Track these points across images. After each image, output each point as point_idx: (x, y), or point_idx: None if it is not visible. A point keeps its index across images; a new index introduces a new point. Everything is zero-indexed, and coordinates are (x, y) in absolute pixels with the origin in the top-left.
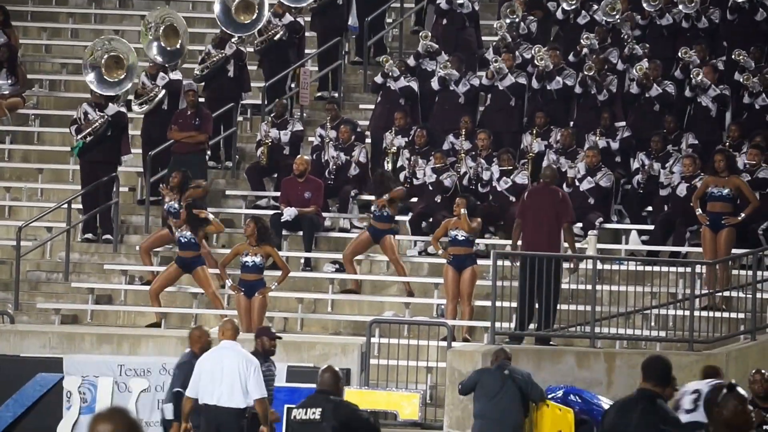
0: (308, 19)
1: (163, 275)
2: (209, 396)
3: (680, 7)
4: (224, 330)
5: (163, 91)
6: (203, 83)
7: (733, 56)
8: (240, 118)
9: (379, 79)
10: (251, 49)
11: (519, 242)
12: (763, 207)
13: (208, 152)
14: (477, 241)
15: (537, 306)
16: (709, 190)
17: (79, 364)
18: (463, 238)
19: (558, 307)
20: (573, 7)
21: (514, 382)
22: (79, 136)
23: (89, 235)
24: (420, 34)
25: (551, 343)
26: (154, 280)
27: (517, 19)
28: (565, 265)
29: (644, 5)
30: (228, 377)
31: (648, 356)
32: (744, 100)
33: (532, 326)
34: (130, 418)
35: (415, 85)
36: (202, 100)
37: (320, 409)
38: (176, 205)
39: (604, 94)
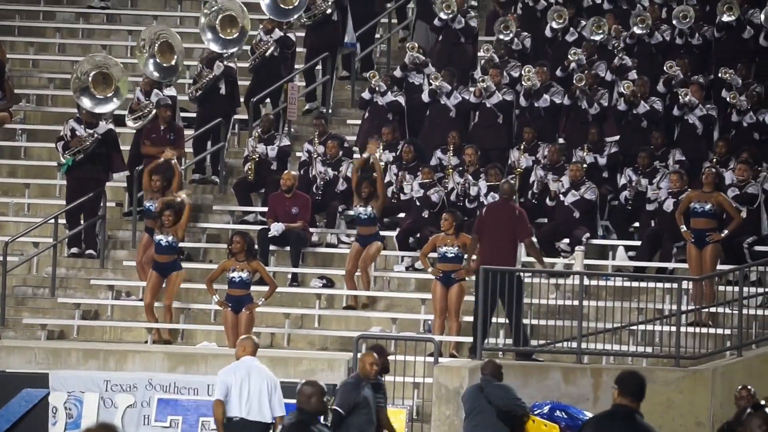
0: (300, 34)
1: (148, 288)
2: (237, 409)
3: (674, 22)
4: (245, 346)
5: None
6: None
7: (719, 74)
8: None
9: (366, 95)
10: (243, 64)
11: (474, 257)
12: (750, 222)
13: (182, 168)
14: (464, 257)
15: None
16: (692, 206)
17: (65, 380)
18: (452, 254)
19: (524, 322)
20: (561, 25)
21: (487, 399)
22: (67, 153)
23: (75, 250)
24: (407, 45)
25: (539, 359)
26: (144, 296)
27: (510, 35)
28: (552, 280)
29: (634, 28)
30: (255, 393)
31: (622, 371)
32: (732, 118)
33: (509, 341)
34: None
35: (402, 100)
36: (193, 115)
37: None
38: (153, 206)
39: (595, 107)
